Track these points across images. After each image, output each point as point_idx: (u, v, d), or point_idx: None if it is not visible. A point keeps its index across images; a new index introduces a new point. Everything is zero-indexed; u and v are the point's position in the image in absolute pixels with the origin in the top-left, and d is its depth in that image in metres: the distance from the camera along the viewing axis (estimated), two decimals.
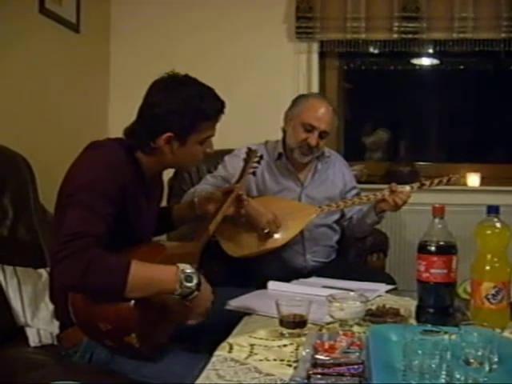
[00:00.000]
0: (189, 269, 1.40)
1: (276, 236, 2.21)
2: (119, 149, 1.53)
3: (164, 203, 2.54)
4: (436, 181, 2.29)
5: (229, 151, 2.45)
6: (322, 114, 2.28)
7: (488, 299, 1.40)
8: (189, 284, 1.38)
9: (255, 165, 2.11)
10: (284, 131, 2.38)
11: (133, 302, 1.35)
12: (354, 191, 2.50)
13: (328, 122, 2.29)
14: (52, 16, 2.66)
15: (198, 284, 1.40)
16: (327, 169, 2.46)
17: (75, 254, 1.30)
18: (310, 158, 2.35)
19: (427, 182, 2.29)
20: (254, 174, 2.14)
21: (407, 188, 2.24)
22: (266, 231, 2.18)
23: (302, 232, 2.32)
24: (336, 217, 2.46)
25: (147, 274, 1.38)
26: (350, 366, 1.09)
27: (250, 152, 2.12)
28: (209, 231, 1.79)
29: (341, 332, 1.29)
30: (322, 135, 2.28)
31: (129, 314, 1.36)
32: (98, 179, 1.43)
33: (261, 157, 2.12)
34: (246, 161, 2.11)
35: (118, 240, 1.42)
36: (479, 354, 1.02)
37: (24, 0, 2.49)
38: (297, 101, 2.37)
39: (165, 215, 1.91)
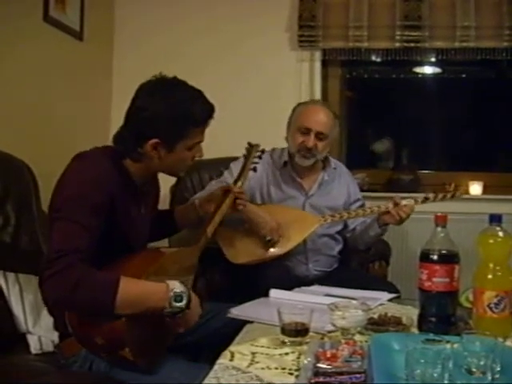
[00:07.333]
0: (178, 288, 1.39)
1: (278, 245, 2.20)
2: (104, 159, 1.50)
3: None
4: (440, 195, 2.30)
5: (230, 159, 2.44)
6: (317, 116, 2.29)
7: (490, 308, 1.40)
8: (178, 304, 1.38)
9: (256, 160, 2.08)
10: (287, 140, 2.38)
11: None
12: (359, 203, 2.49)
13: (324, 123, 2.29)
14: (56, 24, 2.68)
15: (188, 302, 1.39)
16: (333, 180, 2.46)
17: (61, 272, 1.29)
18: (312, 161, 2.34)
19: (431, 196, 2.30)
20: (254, 169, 2.11)
21: (411, 201, 2.23)
22: (268, 239, 2.17)
23: (304, 241, 2.31)
24: (339, 227, 2.45)
25: (136, 291, 1.37)
26: (352, 375, 1.09)
27: (251, 147, 2.09)
28: (207, 234, 1.77)
29: (343, 341, 1.28)
30: (320, 136, 2.28)
31: (121, 329, 1.35)
32: (83, 193, 1.41)
33: (262, 151, 2.10)
34: (246, 157, 2.08)
35: (110, 250, 1.42)
36: (481, 363, 1.02)
37: (28, 8, 2.51)
38: (295, 108, 2.39)
39: (167, 218, 1.90)
